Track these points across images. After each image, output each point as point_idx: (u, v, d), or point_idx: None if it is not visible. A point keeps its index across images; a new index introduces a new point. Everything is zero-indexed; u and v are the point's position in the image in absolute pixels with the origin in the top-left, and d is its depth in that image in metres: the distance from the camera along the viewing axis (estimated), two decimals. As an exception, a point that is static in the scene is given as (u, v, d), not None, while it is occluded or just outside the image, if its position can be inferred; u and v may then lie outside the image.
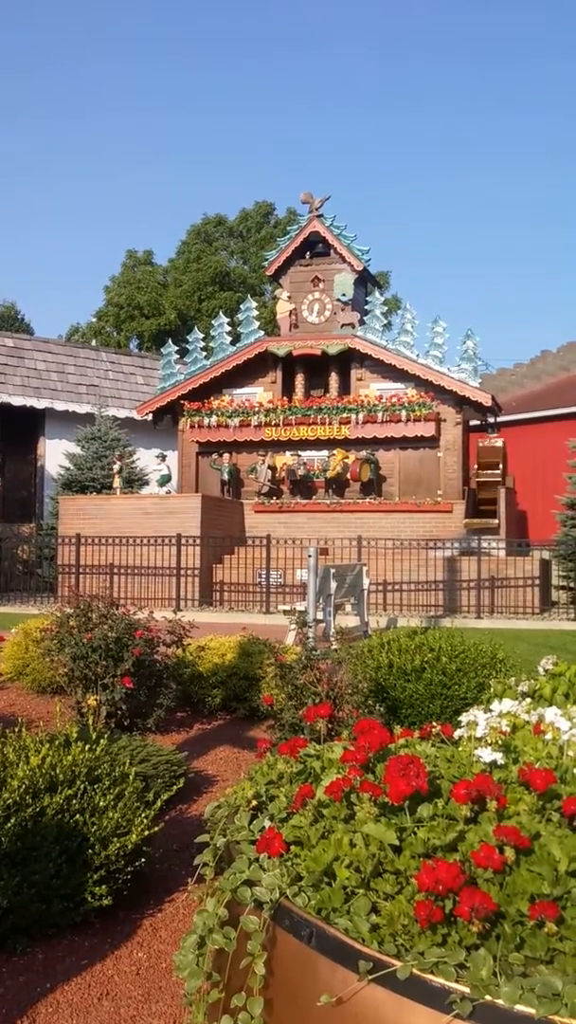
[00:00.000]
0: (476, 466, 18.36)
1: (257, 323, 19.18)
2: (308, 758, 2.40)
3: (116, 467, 18.13)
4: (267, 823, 2.15)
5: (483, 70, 69.64)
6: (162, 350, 20.44)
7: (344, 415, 18.07)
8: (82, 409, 21.97)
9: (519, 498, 19.92)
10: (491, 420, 19.16)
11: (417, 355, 17.77)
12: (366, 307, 18.51)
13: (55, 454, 21.36)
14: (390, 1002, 1.64)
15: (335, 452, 18.06)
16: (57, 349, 23.66)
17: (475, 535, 16.65)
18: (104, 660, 5.80)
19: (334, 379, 18.66)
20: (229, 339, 19.16)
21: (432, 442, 17.91)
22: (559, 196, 70.75)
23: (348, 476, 17.95)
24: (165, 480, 18.35)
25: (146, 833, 3.54)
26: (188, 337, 19.94)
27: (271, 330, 20.72)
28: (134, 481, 19.50)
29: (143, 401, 20.80)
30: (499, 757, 2.14)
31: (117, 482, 18.01)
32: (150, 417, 20.00)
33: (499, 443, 18.50)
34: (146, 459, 20.17)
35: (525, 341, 66.03)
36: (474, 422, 19.36)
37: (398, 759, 2.00)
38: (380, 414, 17.82)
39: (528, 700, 3.15)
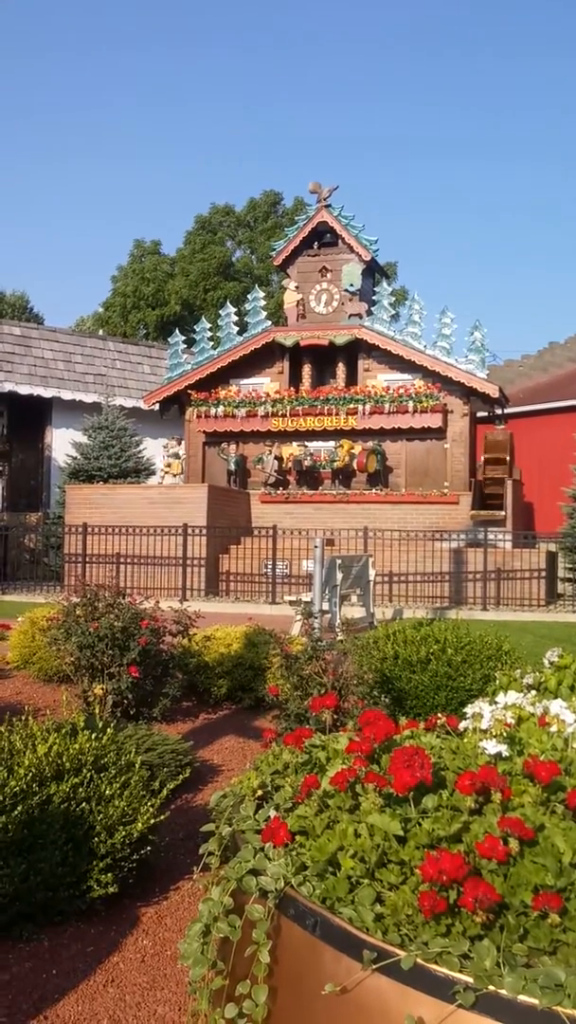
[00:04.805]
0: (483, 458, 18.32)
1: (264, 313, 19.14)
2: (313, 748, 2.41)
3: (176, 451, 18.14)
4: (272, 813, 2.16)
5: (492, 63, 69.26)
6: (169, 340, 20.42)
7: (351, 406, 18.04)
8: (89, 398, 21.98)
9: (526, 490, 19.88)
10: (498, 412, 19.11)
11: (424, 346, 17.71)
12: (374, 298, 18.45)
13: (62, 443, 21.38)
14: (394, 991, 1.65)
15: (342, 443, 18.02)
16: (64, 338, 23.65)
17: (481, 527, 16.62)
18: (110, 649, 5.82)
19: (341, 370, 18.63)
20: (236, 329, 19.12)
21: (439, 433, 17.88)
22: (568, 188, 70.40)
23: (355, 467, 17.92)
24: (175, 455, 18.50)
25: (152, 822, 3.56)
26: (195, 327, 19.91)
27: (278, 320, 20.67)
28: (141, 471, 19.51)
29: (150, 391, 20.79)
30: (504, 749, 2.15)
31: (177, 468, 18.00)
32: (157, 407, 19.98)
33: (506, 435, 18.46)
34: (153, 448, 20.18)
35: (533, 333, 65.93)
36: (481, 414, 19.32)
37: (403, 750, 2.00)
38: (387, 405, 17.78)
39: (533, 692, 3.16)
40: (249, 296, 19.59)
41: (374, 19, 68.04)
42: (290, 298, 19.09)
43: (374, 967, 1.67)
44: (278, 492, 18.50)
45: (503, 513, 17.32)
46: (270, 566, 15.68)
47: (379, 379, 18.23)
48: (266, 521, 17.26)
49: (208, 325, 19.62)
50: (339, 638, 6.27)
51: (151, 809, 3.58)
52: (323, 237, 18.96)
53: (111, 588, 6.51)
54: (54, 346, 22.89)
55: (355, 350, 18.46)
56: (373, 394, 17.95)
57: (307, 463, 18.22)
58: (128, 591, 6.89)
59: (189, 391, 19.22)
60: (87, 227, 70.74)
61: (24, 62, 67.60)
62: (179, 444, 18.74)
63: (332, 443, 18.28)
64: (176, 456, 18.35)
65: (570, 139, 69.74)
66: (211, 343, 19.31)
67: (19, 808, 3.33)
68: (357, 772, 2.07)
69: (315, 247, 19.01)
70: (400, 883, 1.80)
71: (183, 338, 19.97)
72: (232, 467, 18.83)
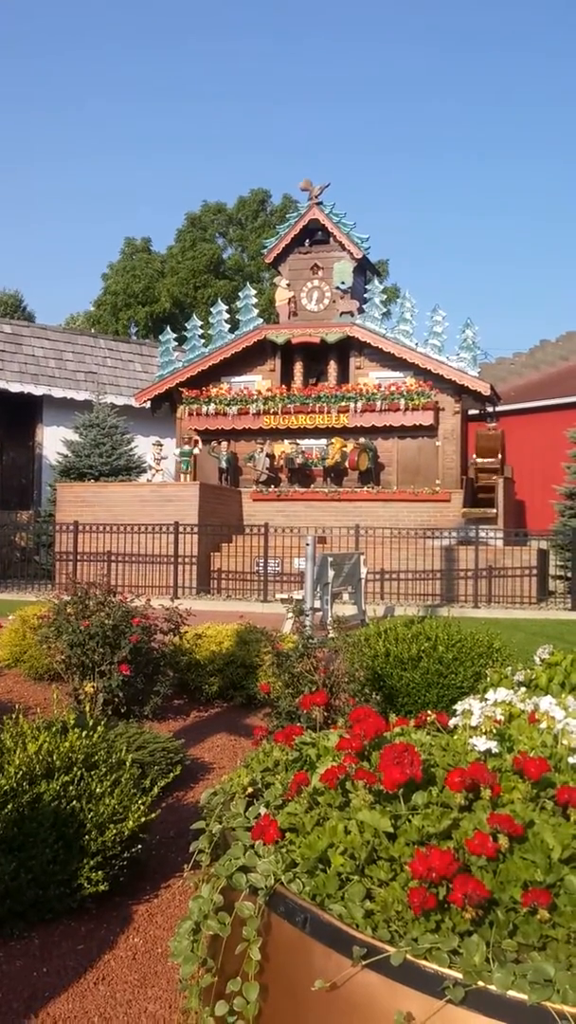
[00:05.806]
0: (475, 455, 18.35)
1: (256, 311, 19.12)
2: (304, 746, 2.42)
3: (186, 448, 18.35)
4: (263, 810, 2.16)
5: (484, 60, 69.30)
6: (160, 338, 20.38)
7: (343, 403, 18.04)
8: (80, 396, 21.93)
9: (517, 488, 19.92)
10: (490, 409, 19.13)
11: (416, 344, 17.72)
12: (365, 295, 18.46)
13: (53, 441, 21.33)
14: (383, 987, 1.65)
15: (333, 441, 18.02)
16: (55, 336, 23.59)
17: (473, 524, 16.65)
18: (101, 647, 5.81)
19: (333, 367, 18.62)
20: (227, 327, 19.10)
21: (431, 431, 17.89)
22: (559, 185, 70.52)
23: (346, 465, 17.93)
24: (186, 454, 18.56)
25: (143, 820, 3.56)
26: (186, 325, 19.88)
27: (269, 318, 20.66)
28: (132, 469, 19.49)
29: (141, 388, 20.76)
30: (494, 746, 2.15)
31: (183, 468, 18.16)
32: (148, 404, 19.96)
33: (498, 433, 18.49)
34: (144, 446, 20.15)
35: (524, 330, 66.00)
36: (473, 411, 19.34)
37: (393, 747, 2.01)
38: (379, 403, 17.80)
39: (524, 689, 3.16)
40: (240, 294, 19.56)
41: (364, 16, 68.05)
42: (281, 296, 19.07)
43: (364, 963, 1.67)
44: (270, 490, 18.49)
45: (495, 511, 17.35)
46: (262, 564, 15.68)
47: (371, 377, 18.24)
48: (258, 519, 17.24)
49: (199, 323, 19.60)
50: (330, 636, 6.27)
51: (142, 807, 3.58)
52: (314, 235, 18.95)
53: (102, 586, 6.50)
54: (45, 344, 22.83)
55: (347, 348, 18.46)
56: (365, 392, 17.95)
57: (299, 461, 18.22)
58: (119, 589, 6.89)
59: (180, 389, 19.19)
60: (78, 225, 70.62)
61: (14, 60, 67.40)
62: (189, 443, 18.73)
63: (324, 441, 18.28)
64: (186, 454, 18.43)
65: (563, 136, 69.90)
66: (202, 341, 19.28)
67: (9, 806, 3.32)
68: (347, 769, 2.07)
69: (307, 245, 18.99)
70: (390, 880, 1.80)
71: (174, 336, 19.93)
72: (223, 465, 18.81)
